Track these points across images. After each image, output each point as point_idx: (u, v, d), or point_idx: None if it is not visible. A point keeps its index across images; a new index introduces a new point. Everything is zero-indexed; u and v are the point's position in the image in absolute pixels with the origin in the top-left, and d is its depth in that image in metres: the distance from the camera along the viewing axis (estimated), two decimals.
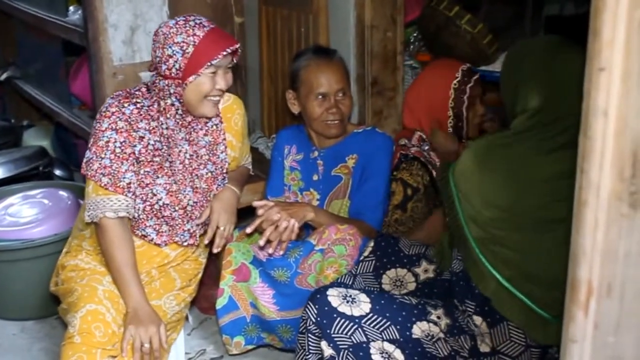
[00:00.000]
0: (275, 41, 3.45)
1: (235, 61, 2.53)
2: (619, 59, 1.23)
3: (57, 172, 4.10)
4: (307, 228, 2.76)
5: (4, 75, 4.88)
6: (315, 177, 2.89)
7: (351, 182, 2.81)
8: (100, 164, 2.42)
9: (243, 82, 3.76)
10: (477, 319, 2.15)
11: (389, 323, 2.13)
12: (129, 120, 2.45)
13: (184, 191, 2.55)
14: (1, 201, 3.38)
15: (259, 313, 2.66)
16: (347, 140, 2.85)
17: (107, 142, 2.43)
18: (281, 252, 2.62)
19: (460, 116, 2.95)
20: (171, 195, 2.53)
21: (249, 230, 2.62)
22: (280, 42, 3.41)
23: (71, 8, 3.65)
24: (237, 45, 2.46)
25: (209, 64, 2.38)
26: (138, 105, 2.48)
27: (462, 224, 2.12)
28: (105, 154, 2.42)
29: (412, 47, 3.83)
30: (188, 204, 2.56)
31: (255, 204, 2.65)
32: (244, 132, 2.76)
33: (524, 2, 5.65)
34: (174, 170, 2.53)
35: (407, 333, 2.13)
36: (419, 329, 2.14)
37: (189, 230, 2.59)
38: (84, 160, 2.47)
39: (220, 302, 2.69)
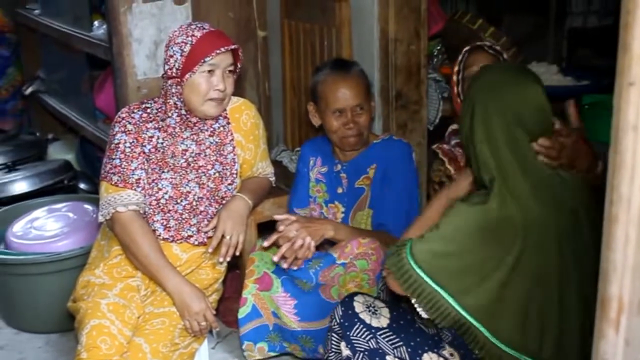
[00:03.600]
0: (297, 54, 3.46)
1: (239, 66, 2.61)
2: None
3: (82, 185, 4.13)
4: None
5: (30, 89, 4.93)
6: (339, 190, 2.88)
7: (371, 191, 2.80)
8: (111, 164, 2.55)
9: (267, 96, 3.77)
10: None
11: (401, 343, 2.17)
12: (138, 123, 2.58)
13: (188, 185, 2.60)
14: (27, 215, 3.41)
15: (281, 322, 2.67)
16: (367, 151, 2.85)
17: (118, 144, 2.56)
18: (295, 268, 2.63)
19: None
20: (175, 189, 2.58)
21: (265, 244, 2.64)
22: (303, 56, 3.41)
23: (96, 23, 3.68)
24: (234, 46, 2.54)
25: (202, 61, 2.47)
26: (147, 110, 2.62)
27: (454, 308, 1.97)
28: (115, 155, 2.55)
29: (435, 60, 3.82)
30: (193, 199, 2.60)
31: (277, 217, 2.66)
32: (258, 135, 2.78)
33: (546, 15, 5.64)
34: (178, 166, 2.59)
35: (417, 359, 2.16)
36: (428, 358, 2.16)
37: (195, 225, 2.61)
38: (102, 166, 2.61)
39: (243, 311, 2.70)
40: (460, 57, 2.76)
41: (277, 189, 3.03)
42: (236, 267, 3.14)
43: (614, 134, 1.35)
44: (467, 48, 2.76)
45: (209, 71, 2.51)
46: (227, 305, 3.13)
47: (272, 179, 2.92)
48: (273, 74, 3.73)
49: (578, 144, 2.09)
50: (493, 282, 1.94)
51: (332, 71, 2.80)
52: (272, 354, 2.76)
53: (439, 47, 3.83)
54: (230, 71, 2.57)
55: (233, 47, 2.54)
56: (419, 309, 2.00)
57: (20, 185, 3.86)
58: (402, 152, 2.81)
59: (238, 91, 3.61)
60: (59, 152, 4.65)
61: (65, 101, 4.49)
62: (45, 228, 3.28)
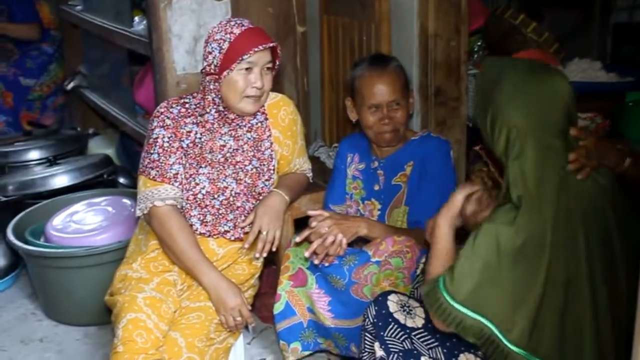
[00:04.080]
0: (336, 50, 3.44)
1: (277, 63, 2.59)
2: None
3: (122, 180, 4.16)
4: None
5: (71, 84, 4.98)
6: (376, 187, 2.86)
7: (407, 189, 2.77)
8: (149, 159, 2.56)
9: (305, 91, 3.76)
10: None
11: (437, 344, 2.13)
12: (176, 117, 2.59)
13: (225, 180, 2.60)
14: (66, 208, 3.44)
15: (315, 318, 2.67)
16: (404, 148, 2.81)
17: (156, 138, 2.57)
18: (326, 264, 2.61)
19: None
20: (212, 184, 2.59)
21: (298, 239, 2.64)
22: (341, 51, 3.39)
23: (136, 18, 3.70)
24: (272, 44, 2.52)
25: (240, 59, 2.46)
26: (186, 106, 2.62)
27: (500, 340, 1.91)
28: (154, 150, 2.56)
29: (476, 56, 3.78)
30: (230, 194, 2.61)
31: (311, 213, 2.65)
32: (295, 131, 2.77)
33: (590, 10, 5.54)
34: (215, 161, 2.59)
35: (453, 359, 2.13)
36: (465, 359, 2.13)
37: (232, 220, 2.61)
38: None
39: (277, 308, 2.70)
40: None
41: (314, 185, 3.02)
42: (273, 263, 3.13)
43: None
44: None
45: (247, 69, 2.50)
46: (263, 300, 3.13)
47: (310, 175, 2.91)
48: (312, 69, 3.71)
49: (601, 142, 2.03)
50: (529, 305, 1.88)
51: (369, 66, 2.77)
52: (306, 352, 2.76)
53: (479, 43, 3.78)
54: (268, 68, 2.55)
55: (271, 45, 2.52)
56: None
57: (60, 179, 3.89)
58: (439, 149, 2.77)
59: (277, 86, 3.60)
60: (100, 147, 4.69)
61: (105, 96, 4.53)
62: (85, 222, 3.31)
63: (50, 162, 4.14)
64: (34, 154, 4.21)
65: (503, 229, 1.88)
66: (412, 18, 3.03)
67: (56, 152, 4.25)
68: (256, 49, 2.46)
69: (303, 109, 3.74)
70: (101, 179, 3.99)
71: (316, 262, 2.59)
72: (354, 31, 3.26)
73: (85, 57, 4.99)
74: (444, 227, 2.13)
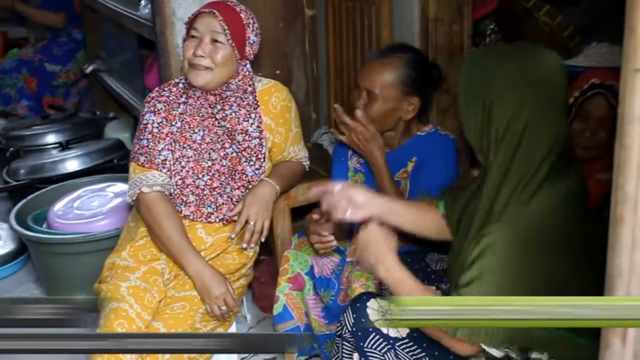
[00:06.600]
0: (340, 34, 3.34)
1: (228, 37, 2.45)
2: None
3: None
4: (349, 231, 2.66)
5: (90, 68, 4.99)
6: None
7: (409, 185, 2.65)
8: (139, 145, 2.55)
9: (315, 76, 3.68)
10: None
11: (423, 354, 1.98)
12: (168, 100, 2.58)
13: (207, 160, 2.56)
14: (69, 194, 3.43)
15: (311, 324, 2.63)
16: (409, 143, 2.65)
17: (146, 124, 2.56)
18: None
19: None
20: (196, 164, 2.56)
21: (315, 216, 2.40)
22: (345, 35, 3.29)
23: (142, 2, 3.66)
24: (209, 10, 2.44)
25: (187, 25, 2.49)
26: (179, 87, 2.61)
27: None
28: (143, 135, 2.55)
29: (488, 40, 3.66)
30: (214, 175, 2.56)
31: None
32: (289, 118, 2.69)
33: None
34: (197, 138, 2.56)
35: None
36: None
37: (215, 202, 2.56)
38: None
39: (276, 309, 2.66)
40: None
41: (313, 172, 2.94)
42: (271, 253, 3.08)
43: (619, 126, 1.23)
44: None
45: (193, 36, 2.48)
46: (262, 290, 3.09)
47: (306, 163, 2.83)
48: (321, 54, 3.62)
49: None
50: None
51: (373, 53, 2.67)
52: (302, 358, 2.72)
53: (492, 27, 3.66)
54: (215, 40, 2.46)
55: (209, 10, 2.44)
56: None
57: (70, 163, 3.92)
58: (443, 146, 2.60)
59: (285, 72, 3.55)
60: (116, 131, 4.69)
61: (121, 80, 4.53)
62: (85, 208, 3.30)
63: (63, 146, 4.15)
64: (48, 138, 4.25)
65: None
66: (412, 1, 2.92)
67: (70, 137, 4.28)
68: (196, 13, 2.47)
69: (313, 95, 3.66)
70: (111, 164, 3.99)
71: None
72: (356, 14, 3.16)
73: (103, 41, 4.99)
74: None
